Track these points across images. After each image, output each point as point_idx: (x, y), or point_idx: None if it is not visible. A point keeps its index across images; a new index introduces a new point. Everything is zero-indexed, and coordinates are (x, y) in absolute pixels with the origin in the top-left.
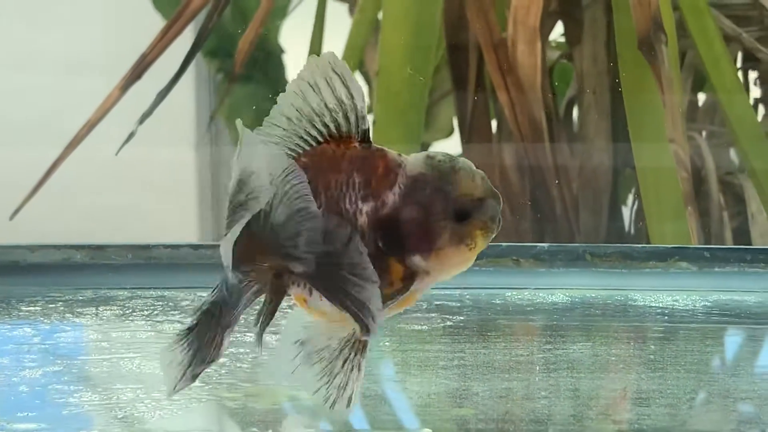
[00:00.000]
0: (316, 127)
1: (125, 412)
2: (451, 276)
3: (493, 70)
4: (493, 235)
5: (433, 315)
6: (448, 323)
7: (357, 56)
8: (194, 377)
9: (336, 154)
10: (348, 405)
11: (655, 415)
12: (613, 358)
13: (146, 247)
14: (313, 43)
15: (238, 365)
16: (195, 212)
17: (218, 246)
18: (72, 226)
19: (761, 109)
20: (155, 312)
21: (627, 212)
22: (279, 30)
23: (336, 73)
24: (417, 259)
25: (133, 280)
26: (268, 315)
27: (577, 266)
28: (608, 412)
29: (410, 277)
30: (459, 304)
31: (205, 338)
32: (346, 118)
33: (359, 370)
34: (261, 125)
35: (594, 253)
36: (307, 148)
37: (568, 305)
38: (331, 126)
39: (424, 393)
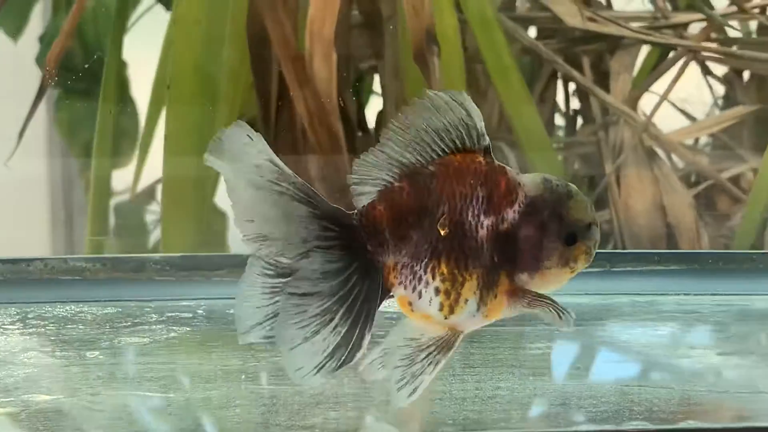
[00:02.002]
0: (444, 140)
1: None
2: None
3: (291, 82)
4: (591, 260)
5: (160, 327)
6: (173, 334)
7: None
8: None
9: (461, 166)
10: (410, 395)
11: (342, 418)
12: None
13: None
14: (112, 51)
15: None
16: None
17: None
18: None
19: (579, 119)
20: None
21: None
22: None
23: (455, 99)
24: (524, 276)
25: None
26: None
27: None
28: (296, 417)
29: (513, 292)
30: (191, 315)
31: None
32: (469, 135)
33: (435, 366)
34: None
35: None
36: (435, 157)
37: None
38: (457, 141)
39: (118, 405)
